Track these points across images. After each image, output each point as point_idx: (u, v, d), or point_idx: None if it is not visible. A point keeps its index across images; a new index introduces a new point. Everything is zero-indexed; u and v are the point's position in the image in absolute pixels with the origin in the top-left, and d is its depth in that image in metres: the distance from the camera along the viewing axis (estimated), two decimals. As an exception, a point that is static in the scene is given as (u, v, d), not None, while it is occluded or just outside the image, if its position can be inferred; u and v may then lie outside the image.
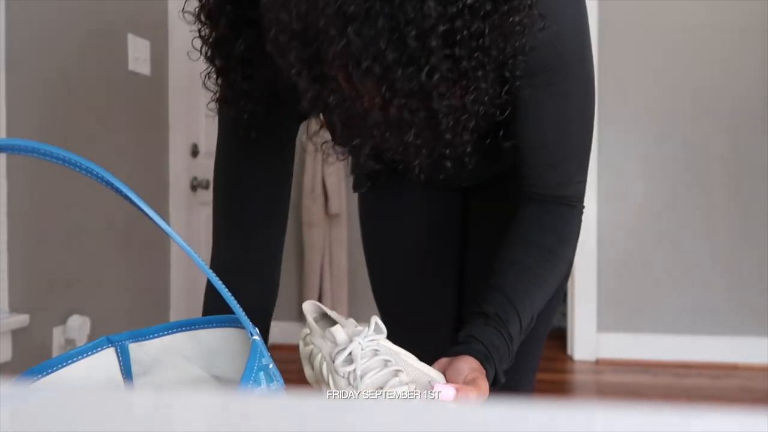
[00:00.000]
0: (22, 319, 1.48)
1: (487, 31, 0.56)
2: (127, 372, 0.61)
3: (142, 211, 0.47)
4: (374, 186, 1.04)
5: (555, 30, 0.70)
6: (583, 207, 0.84)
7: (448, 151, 0.65)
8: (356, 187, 1.07)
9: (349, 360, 0.62)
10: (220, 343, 0.61)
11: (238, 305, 0.52)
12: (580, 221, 0.82)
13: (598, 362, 2.61)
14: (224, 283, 0.54)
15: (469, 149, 0.67)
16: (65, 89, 1.66)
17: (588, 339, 2.65)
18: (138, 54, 1.95)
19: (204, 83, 0.72)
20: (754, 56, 2.54)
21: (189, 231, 2.23)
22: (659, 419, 0.21)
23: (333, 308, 2.87)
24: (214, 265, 0.88)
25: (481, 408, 0.22)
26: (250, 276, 0.88)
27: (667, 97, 2.60)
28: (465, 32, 0.55)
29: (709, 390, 2.23)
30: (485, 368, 0.68)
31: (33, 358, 1.53)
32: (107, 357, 0.61)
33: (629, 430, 0.21)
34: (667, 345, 2.58)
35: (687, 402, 2.07)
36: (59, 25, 1.63)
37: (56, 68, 1.63)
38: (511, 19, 0.58)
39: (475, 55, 0.56)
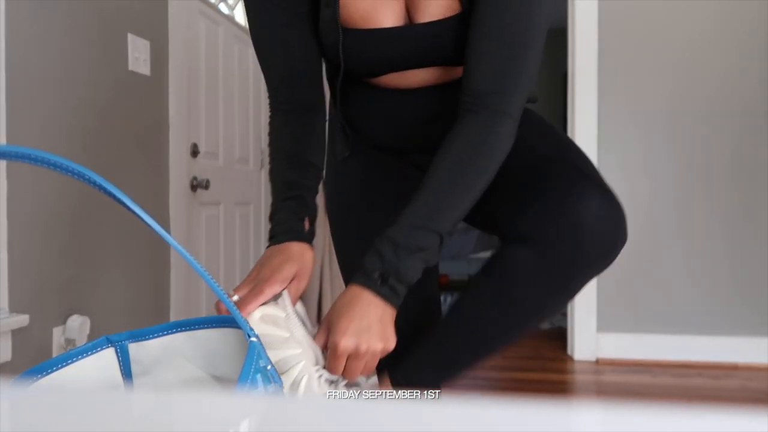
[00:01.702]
0: (22, 319, 1.48)
1: None
2: (126, 372, 0.61)
3: (136, 214, 0.47)
4: (340, 165, 1.09)
5: None
6: (513, 122, 0.85)
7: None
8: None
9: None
10: (220, 343, 0.61)
11: (234, 306, 0.52)
12: (506, 134, 0.84)
13: (598, 362, 2.61)
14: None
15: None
16: (65, 89, 1.66)
17: (588, 339, 2.65)
18: (138, 54, 1.95)
19: None
20: (756, 55, 2.54)
21: (189, 231, 2.24)
22: (659, 419, 0.21)
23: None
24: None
25: (481, 408, 0.22)
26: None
27: (668, 97, 2.60)
28: None
29: (709, 390, 2.23)
30: (368, 286, 0.77)
31: (33, 358, 1.53)
32: (107, 357, 0.61)
33: (629, 430, 0.21)
34: (667, 345, 2.58)
35: (687, 402, 2.07)
36: (59, 25, 1.63)
37: (56, 68, 1.63)
38: None
39: None
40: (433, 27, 0.87)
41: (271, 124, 0.99)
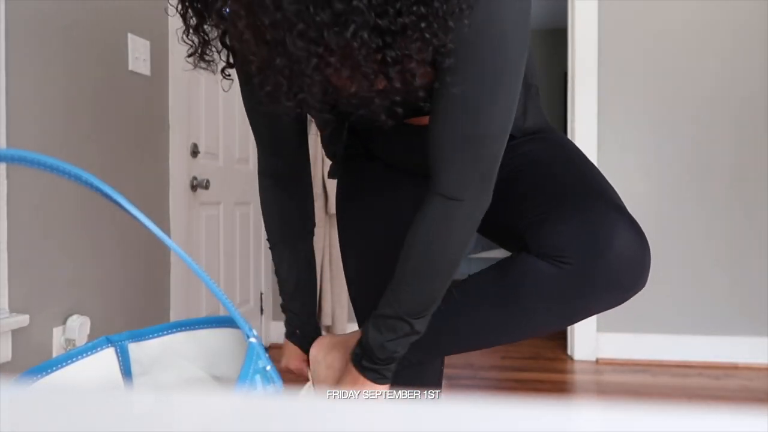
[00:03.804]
0: (22, 319, 1.48)
1: None
2: (126, 372, 0.61)
3: (134, 216, 0.47)
4: (346, 172, 1.10)
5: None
6: (471, 200, 0.83)
7: (399, 98, 0.70)
8: (330, 174, 1.13)
9: None
10: (220, 343, 0.61)
11: (233, 306, 0.52)
12: (466, 214, 0.83)
13: (598, 362, 2.62)
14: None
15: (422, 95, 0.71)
16: (65, 89, 1.66)
17: (588, 339, 2.65)
18: (138, 54, 1.95)
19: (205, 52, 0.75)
20: (755, 55, 2.54)
21: (189, 231, 2.24)
22: (659, 419, 0.21)
23: (333, 308, 2.87)
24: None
25: (480, 408, 0.22)
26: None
27: (668, 97, 2.60)
28: None
29: (709, 390, 2.23)
30: (352, 360, 0.89)
31: (33, 358, 1.53)
32: (107, 357, 0.61)
33: (629, 430, 0.21)
34: (667, 345, 2.58)
35: (687, 402, 2.07)
36: (59, 25, 1.63)
37: (56, 68, 1.63)
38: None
39: (414, 9, 0.61)
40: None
41: (260, 186, 1.03)
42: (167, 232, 2.11)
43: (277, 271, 1.04)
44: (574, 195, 0.87)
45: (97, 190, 0.44)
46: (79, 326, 1.65)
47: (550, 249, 0.83)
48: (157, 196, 2.07)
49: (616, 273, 0.81)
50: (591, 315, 0.89)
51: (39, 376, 0.55)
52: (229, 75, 0.78)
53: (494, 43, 0.73)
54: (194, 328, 0.62)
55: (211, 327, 0.62)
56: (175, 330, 0.62)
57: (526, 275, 0.84)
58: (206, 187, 2.30)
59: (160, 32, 2.07)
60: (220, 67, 0.75)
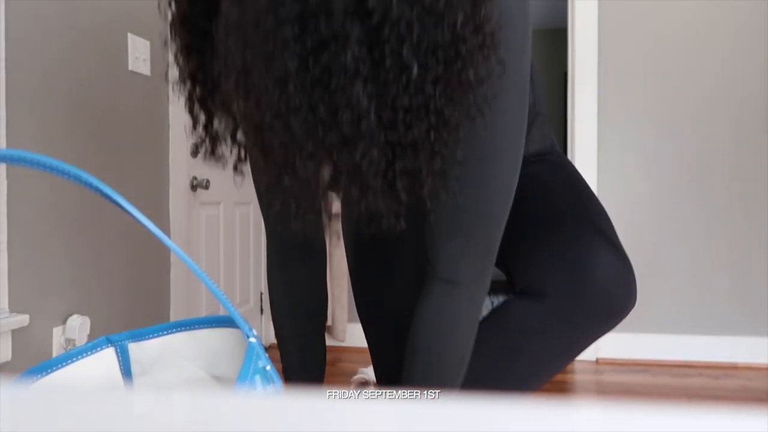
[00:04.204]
0: (22, 319, 1.48)
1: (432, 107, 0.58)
2: (126, 372, 0.61)
3: (134, 217, 0.47)
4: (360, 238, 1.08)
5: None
6: (471, 284, 0.79)
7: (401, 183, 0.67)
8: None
9: None
10: (220, 343, 0.61)
11: (233, 306, 0.51)
12: (468, 299, 0.79)
13: (598, 362, 2.61)
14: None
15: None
16: (65, 89, 1.66)
17: (588, 339, 2.65)
18: (138, 54, 1.95)
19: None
20: (755, 55, 2.53)
21: (189, 231, 2.24)
22: (659, 419, 0.21)
23: (333, 308, 2.87)
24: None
25: (480, 408, 0.22)
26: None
27: (668, 97, 2.60)
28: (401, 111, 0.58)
29: (709, 390, 2.23)
30: None
31: (33, 358, 1.53)
32: (107, 357, 0.61)
33: (629, 430, 0.21)
34: (667, 345, 2.58)
35: (687, 402, 2.07)
36: (59, 25, 1.63)
37: (56, 68, 1.63)
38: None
39: (424, 120, 0.59)
40: None
41: (269, 266, 0.97)
42: (167, 232, 2.11)
43: (279, 341, 0.96)
44: (558, 225, 0.86)
45: (97, 190, 0.44)
46: (79, 326, 1.65)
47: (533, 288, 0.83)
48: (157, 196, 2.07)
49: (599, 302, 0.81)
50: (589, 343, 0.87)
51: (39, 376, 0.55)
52: (241, 171, 0.73)
53: (495, 127, 0.72)
54: (194, 328, 0.62)
55: (211, 327, 0.62)
56: (175, 330, 0.62)
57: (515, 317, 0.84)
58: (206, 187, 2.30)
59: (160, 32, 2.07)
60: (231, 163, 0.71)
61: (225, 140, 0.69)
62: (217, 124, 0.68)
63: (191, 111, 0.68)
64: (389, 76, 0.56)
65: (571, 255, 0.82)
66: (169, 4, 0.70)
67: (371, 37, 0.55)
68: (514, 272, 0.85)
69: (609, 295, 0.81)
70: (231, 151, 0.69)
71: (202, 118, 0.68)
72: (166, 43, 0.73)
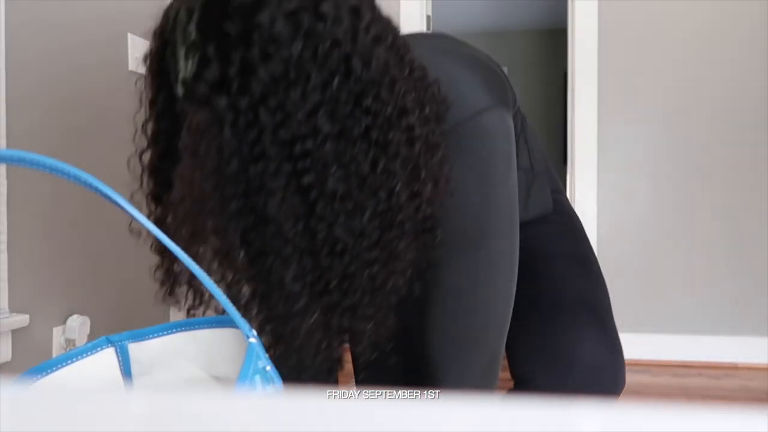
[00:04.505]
0: (22, 319, 1.48)
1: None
2: (126, 372, 0.61)
3: (132, 216, 0.47)
4: None
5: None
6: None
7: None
8: None
9: None
10: (220, 343, 0.61)
11: (232, 306, 0.51)
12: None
13: (598, 362, 2.61)
14: None
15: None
16: (65, 89, 1.66)
17: (588, 339, 2.65)
18: (138, 54, 1.95)
19: None
20: (757, 55, 2.53)
21: (189, 231, 2.23)
22: (659, 419, 0.21)
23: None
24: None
25: (480, 408, 0.22)
26: None
27: (668, 96, 2.60)
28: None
29: (709, 390, 2.23)
30: None
31: (33, 358, 1.53)
32: (107, 357, 0.61)
33: (629, 430, 0.21)
34: (667, 345, 2.58)
35: (687, 402, 2.07)
36: (59, 25, 1.63)
37: (56, 68, 1.63)
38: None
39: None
40: None
41: None
42: (167, 232, 2.11)
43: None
44: (548, 307, 0.85)
45: (97, 190, 0.44)
46: (79, 326, 1.65)
47: (523, 376, 0.83)
48: (157, 196, 2.07)
49: (583, 389, 0.80)
50: None
51: (39, 376, 0.55)
52: (194, 314, 0.75)
53: (478, 262, 0.73)
54: (194, 328, 0.62)
55: (211, 327, 0.62)
56: (175, 330, 0.62)
57: None
58: (206, 187, 2.30)
59: (160, 32, 2.07)
60: (185, 307, 0.72)
61: (181, 284, 0.70)
62: (177, 268, 0.69)
63: (161, 255, 0.71)
64: (322, 252, 0.59)
65: (557, 343, 0.81)
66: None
67: (308, 212, 0.58)
68: (511, 363, 0.85)
69: (595, 385, 0.80)
70: (186, 296, 0.71)
71: (164, 262, 0.70)
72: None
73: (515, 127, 0.85)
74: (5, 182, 1.45)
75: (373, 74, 0.59)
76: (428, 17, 2.86)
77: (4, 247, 1.46)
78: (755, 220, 2.54)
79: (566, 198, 1.04)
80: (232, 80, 0.59)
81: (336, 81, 0.58)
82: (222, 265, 0.61)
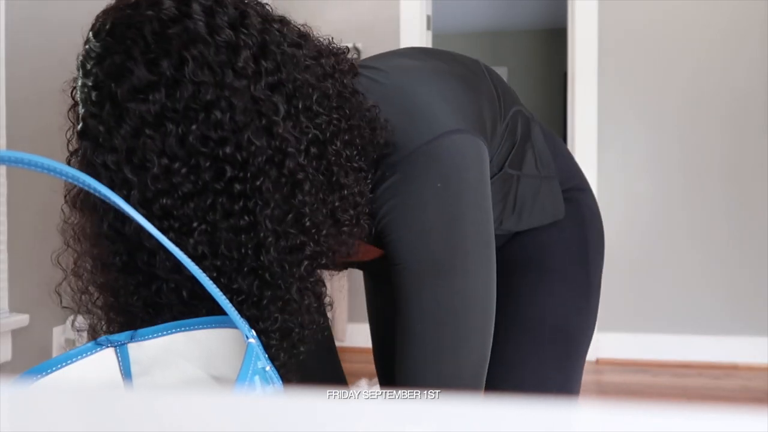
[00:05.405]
0: (22, 319, 1.48)
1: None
2: (126, 372, 0.61)
3: (131, 216, 0.47)
4: None
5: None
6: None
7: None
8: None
9: None
10: (219, 343, 0.61)
11: (231, 306, 0.51)
12: None
13: (598, 362, 2.61)
14: None
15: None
16: (65, 90, 1.66)
17: (588, 339, 2.65)
18: (138, 54, 1.95)
19: None
20: (756, 55, 2.54)
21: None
22: (659, 419, 0.21)
23: (332, 308, 2.87)
24: None
25: (481, 408, 0.22)
26: None
27: (668, 97, 2.60)
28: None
29: (709, 390, 2.23)
30: None
31: (33, 358, 1.53)
32: (107, 357, 0.61)
33: (629, 430, 0.21)
34: (667, 345, 2.58)
35: (687, 402, 2.07)
36: (59, 25, 1.63)
37: (56, 68, 1.63)
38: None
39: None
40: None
41: None
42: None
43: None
44: (514, 336, 0.84)
45: (96, 191, 0.44)
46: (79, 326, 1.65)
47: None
48: (157, 196, 2.07)
49: None
50: None
51: (39, 376, 0.55)
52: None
53: (454, 289, 0.68)
54: (194, 329, 0.62)
55: (211, 327, 0.62)
56: (174, 330, 0.62)
57: None
58: (206, 187, 2.30)
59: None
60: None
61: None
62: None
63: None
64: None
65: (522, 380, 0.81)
66: None
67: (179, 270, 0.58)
68: None
69: None
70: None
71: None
72: None
73: (515, 130, 0.82)
74: (5, 182, 1.45)
75: (240, 119, 0.55)
76: (428, 17, 2.86)
77: (4, 247, 1.46)
78: (755, 220, 2.54)
79: (586, 195, 0.98)
80: (99, 135, 0.61)
81: (192, 131, 0.55)
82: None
